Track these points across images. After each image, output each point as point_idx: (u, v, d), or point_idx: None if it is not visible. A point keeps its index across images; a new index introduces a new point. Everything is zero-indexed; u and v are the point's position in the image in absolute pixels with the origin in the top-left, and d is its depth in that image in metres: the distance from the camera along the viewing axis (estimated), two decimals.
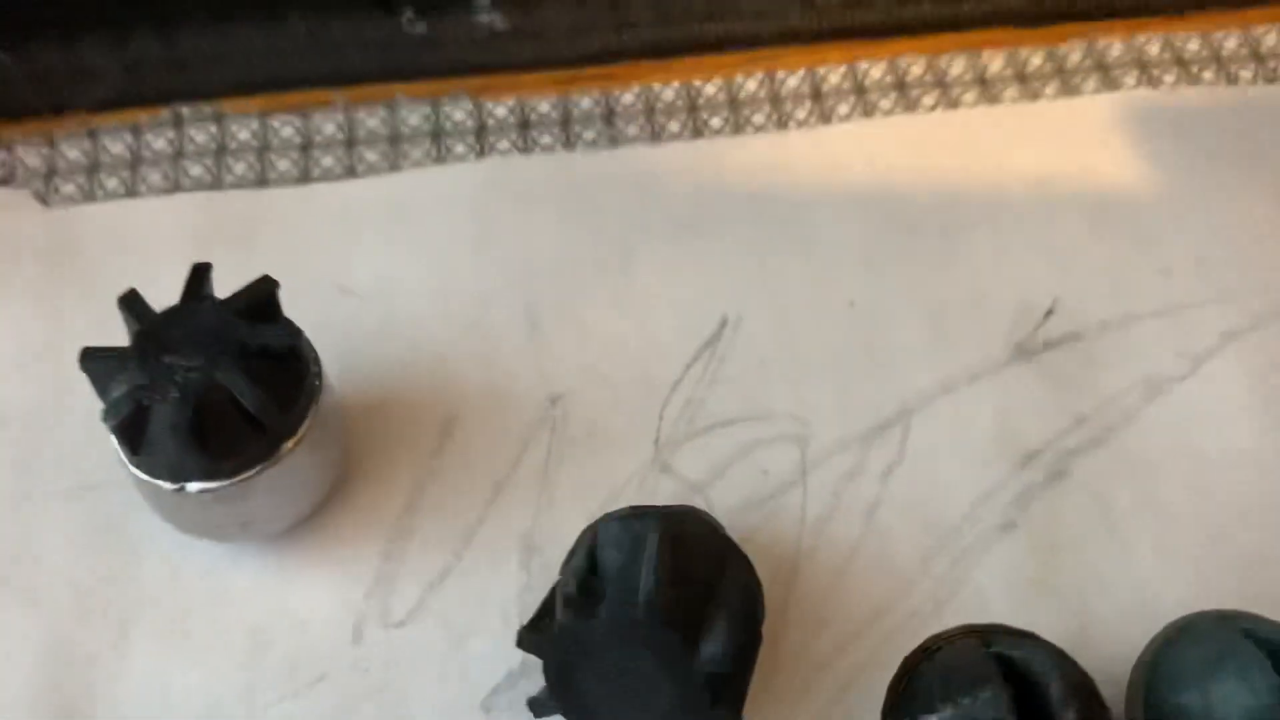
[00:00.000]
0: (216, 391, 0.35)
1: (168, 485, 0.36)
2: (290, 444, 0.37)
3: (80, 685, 0.38)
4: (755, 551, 0.39)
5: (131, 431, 0.35)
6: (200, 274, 0.38)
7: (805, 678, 0.37)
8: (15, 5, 0.49)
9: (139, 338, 0.36)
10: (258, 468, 0.36)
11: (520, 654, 0.36)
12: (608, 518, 0.35)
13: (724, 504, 0.40)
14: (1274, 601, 0.35)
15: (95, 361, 0.36)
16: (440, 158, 0.49)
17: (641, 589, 0.32)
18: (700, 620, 0.32)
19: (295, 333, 0.37)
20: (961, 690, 0.30)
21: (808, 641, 0.38)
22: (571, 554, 0.35)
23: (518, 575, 0.40)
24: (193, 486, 0.36)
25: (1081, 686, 0.31)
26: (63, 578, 0.40)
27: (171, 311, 0.37)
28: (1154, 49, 0.51)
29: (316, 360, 0.38)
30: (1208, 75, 0.50)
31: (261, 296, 0.37)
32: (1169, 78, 0.50)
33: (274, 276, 0.38)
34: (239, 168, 0.49)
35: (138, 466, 0.36)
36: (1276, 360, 0.43)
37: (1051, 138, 0.48)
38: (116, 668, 0.38)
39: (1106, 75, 0.50)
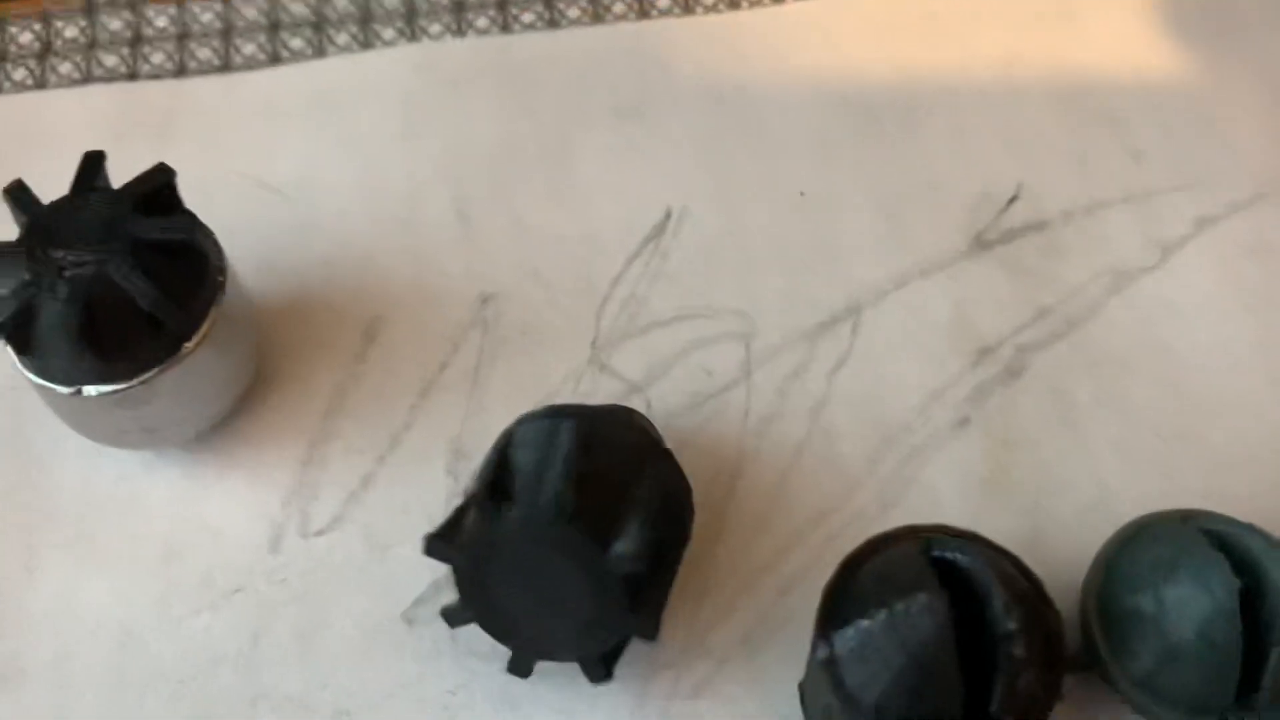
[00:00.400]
0: (108, 287, 0.33)
1: (63, 389, 0.34)
2: (191, 344, 0.34)
3: None
4: (696, 452, 0.37)
5: (19, 332, 0.33)
6: (92, 163, 0.35)
7: (745, 580, 0.35)
8: None
9: (26, 232, 0.34)
10: (157, 368, 0.34)
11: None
12: (525, 417, 0.33)
13: (664, 405, 0.38)
14: (1240, 502, 0.33)
15: None
16: (368, 43, 0.46)
17: (548, 488, 0.30)
18: (613, 521, 0.30)
19: (192, 224, 0.35)
20: (897, 595, 0.28)
21: (748, 544, 0.36)
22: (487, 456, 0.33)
23: (444, 482, 0.37)
24: (90, 390, 0.34)
25: (1026, 593, 0.29)
26: None
27: (60, 203, 0.34)
28: None
29: (219, 254, 0.36)
30: None
31: (157, 185, 0.35)
32: None
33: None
34: (156, 57, 0.46)
35: (30, 369, 0.34)
36: (1252, 248, 0.40)
37: (1019, 15, 0.45)
38: (25, 584, 0.36)
39: None
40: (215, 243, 0.36)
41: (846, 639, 0.29)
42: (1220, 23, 0.44)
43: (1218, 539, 0.30)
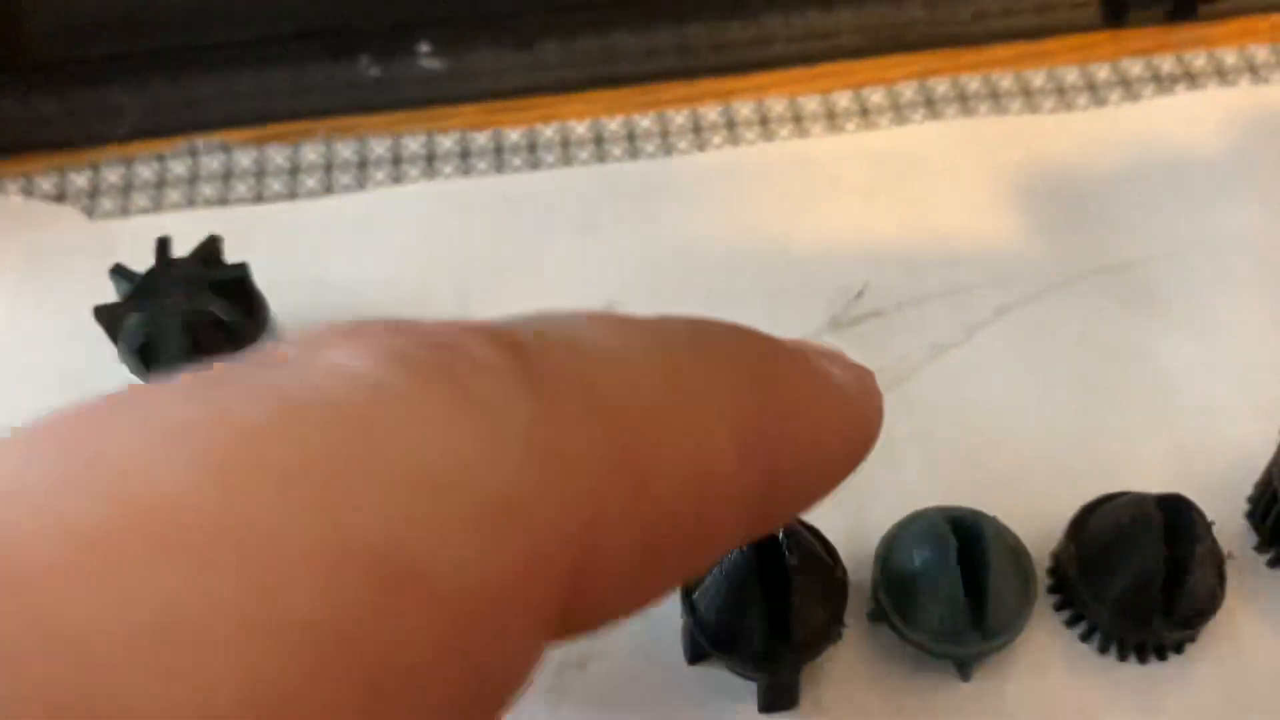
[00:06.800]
0: (205, 317, 0.49)
1: None
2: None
3: None
4: None
5: (145, 360, 0.49)
6: (164, 244, 0.52)
7: None
8: (55, 59, 0.63)
9: (134, 291, 0.50)
10: None
11: None
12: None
13: None
14: (1001, 506, 0.46)
15: (103, 312, 0.50)
16: (399, 179, 0.62)
17: None
18: None
19: (243, 266, 0.51)
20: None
21: None
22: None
23: None
24: None
25: (813, 548, 0.43)
26: None
27: (152, 271, 0.51)
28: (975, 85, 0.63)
29: (263, 299, 0.52)
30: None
31: (211, 249, 0.52)
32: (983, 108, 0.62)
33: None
34: (240, 188, 0.63)
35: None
36: (1037, 326, 0.54)
37: (876, 159, 0.61)
38: None
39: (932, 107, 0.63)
40: (264, 299, 0.52)
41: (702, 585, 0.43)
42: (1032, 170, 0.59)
43: (951, 519, 0.44)
